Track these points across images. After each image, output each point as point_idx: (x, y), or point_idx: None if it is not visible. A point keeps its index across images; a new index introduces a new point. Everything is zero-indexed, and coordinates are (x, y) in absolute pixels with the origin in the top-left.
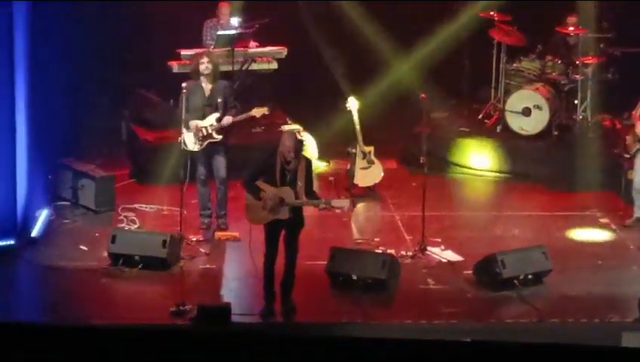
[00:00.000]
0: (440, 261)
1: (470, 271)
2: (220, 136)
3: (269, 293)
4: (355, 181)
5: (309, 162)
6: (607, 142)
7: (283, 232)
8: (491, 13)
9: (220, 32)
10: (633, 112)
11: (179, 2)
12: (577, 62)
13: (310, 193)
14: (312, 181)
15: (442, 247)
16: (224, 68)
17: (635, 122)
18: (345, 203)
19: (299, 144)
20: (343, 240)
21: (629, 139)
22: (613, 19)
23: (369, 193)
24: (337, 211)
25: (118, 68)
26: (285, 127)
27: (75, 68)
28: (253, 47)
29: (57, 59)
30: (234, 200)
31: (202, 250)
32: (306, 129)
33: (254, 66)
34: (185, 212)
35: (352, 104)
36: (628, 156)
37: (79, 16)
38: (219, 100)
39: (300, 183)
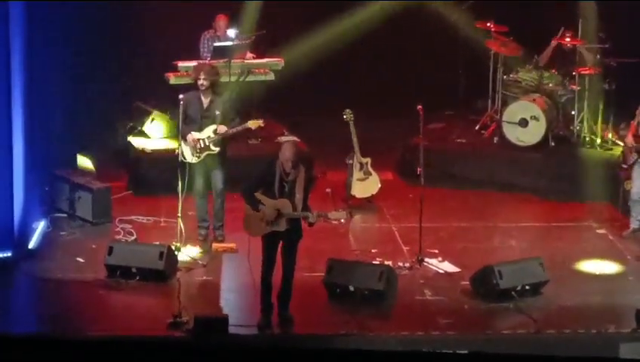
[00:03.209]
0: (437, 272)
1: (467, 283)
2: (218, 148)
3: (266, 305)
4: (352, 192)
5: (308, 174)
6: (603, 153)
7: (281, 244)
8: (488, 24)
9: (216, 44)
10: (632, 122)
11: (176, 14)
12: (574, 73)
13: (305, 207)
14: (308, 195)
15: (439, 258)
16: (221, 79)
17: (629, 132)
18: (342, 215)
19: (298, 155)
20: (340, 251)
21: (626, 149)
22: (610, 29)
23: (366, 204)
24: (334, 223)
25: (116, 78)
26: (282, 139)
27: (72, 79)
28: (250, 59)
29: (54, 69)
30: (231, 212)
31: (199, 262)
32: (303, 141)
33: (251, 78)
34: (182, 224)
35: (349, 115)
36: (625, 166)
37: (76, 25)
38: (217, 113)
39: (299, 195)
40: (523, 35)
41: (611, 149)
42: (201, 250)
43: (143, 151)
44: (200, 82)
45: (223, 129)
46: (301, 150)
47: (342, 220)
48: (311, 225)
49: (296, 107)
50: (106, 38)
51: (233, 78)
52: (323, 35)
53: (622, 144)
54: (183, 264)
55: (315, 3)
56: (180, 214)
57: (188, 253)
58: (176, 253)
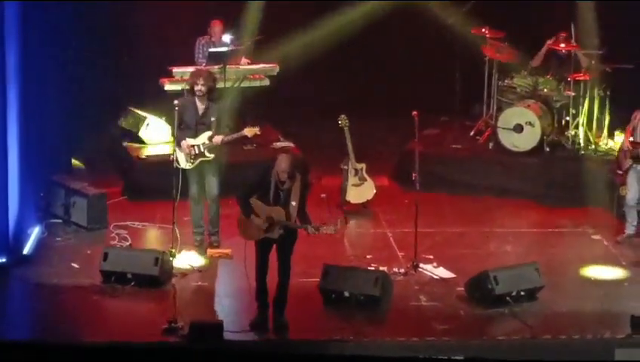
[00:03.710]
0: (432, 278)
1: (462, 288)
2: (212, 155)
3: (262, 303)
4: (347, 198)
5: (304, 183)
6: (598, 158)
7: (276, 248)
8: (483, 30)
9: (211, 50)
10: (628, 127)
11: (171, 19)
12: (569, 79)
13: (303, 214)
14: (305, 201)
15: (434, 264)
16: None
17: (625, 138)
18: (332, 229)
19: (294, 166)
20: (335, 257)
21: (621, 155)
22: (605, 35)
23: (361, 210)
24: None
25: (111, 84)
26: (277, 144)
27: (68, 84)
28: (245, 65)
29: (49, 72)
30: (226, 218)
31: (194, 268)
32: (298, 146)
33: (246, 83)
34: (177, 229)
35: (344, 121)
36: (621, 172)
37: (71, 31)
38: (212, 119)
39: (294, 203)
40: (520, 41)
41: (606, 155)
42: (196, 256)
43: (137, 156)
44: (198, 88)
45: (218, 139)
46: (297, 160)
47: (333, 233)
48: (309, 235)
49: (291, 113)
50: (100, 41)
51: (228, 84)
52: (317, 40)
53: (617, 149)
54: (178, 270)
55: (307, 5)
56: (174, 220)
57: (183, 258)
58: (171, 258)
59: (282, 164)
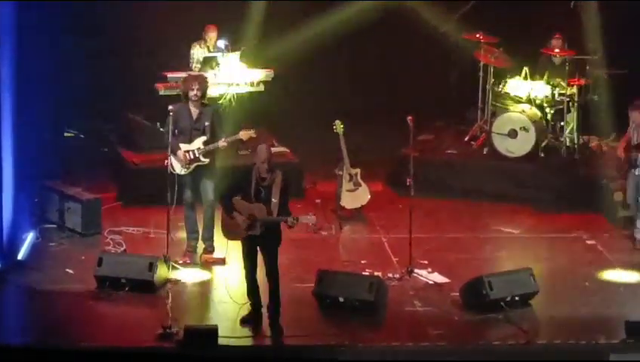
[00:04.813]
0: (427, 283)
1: (457, 293)
2: (207, 160)
3: (254, 300)
4: (342, 203)
5: (284, 179)
6: (593, 163)
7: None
8: (477, 35)
9: (206, 55)
10: (629, 129)
11: (166, 24)
12: (563, 84)
13: (285, 210)
14: (287, 198)
15: (429, 269)
16: (211, 91)
17: (622, 142)
18: (311, 219)
19: (272, 158)
20: (330, 262)
21: (622, 159)
22: (600, 41)
23: (356, 215)
24: (324, 233)
25: (106, 89)
26: (272, 150)
27: (63, 89)
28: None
29: (44, 80)
30: None
31: (189, 273)
32: (293, 151)
33: (241, 89)
34: (171, 235)
35: (339, 127)
36: (618, 175)
37: (67, 34)
38: (206, 124)
39: (275, 200)
40: (514, 46)
41: (601, 160)
42: (190, 262)
43: (132, 162)
44: (193, 93)
45: (214, 143)
46: (272, 152)
47: (311, 223)
48: (290, 227)
49: (286, 118)
50: (97, 45)
51: (223, 90)
52: (311, 46)
53: (614, 154)
54: (172, 275)
55: (304, 10)
56: (169, 226)
57: (177, 264)
58: (165, 264)
59: (261, 155)
